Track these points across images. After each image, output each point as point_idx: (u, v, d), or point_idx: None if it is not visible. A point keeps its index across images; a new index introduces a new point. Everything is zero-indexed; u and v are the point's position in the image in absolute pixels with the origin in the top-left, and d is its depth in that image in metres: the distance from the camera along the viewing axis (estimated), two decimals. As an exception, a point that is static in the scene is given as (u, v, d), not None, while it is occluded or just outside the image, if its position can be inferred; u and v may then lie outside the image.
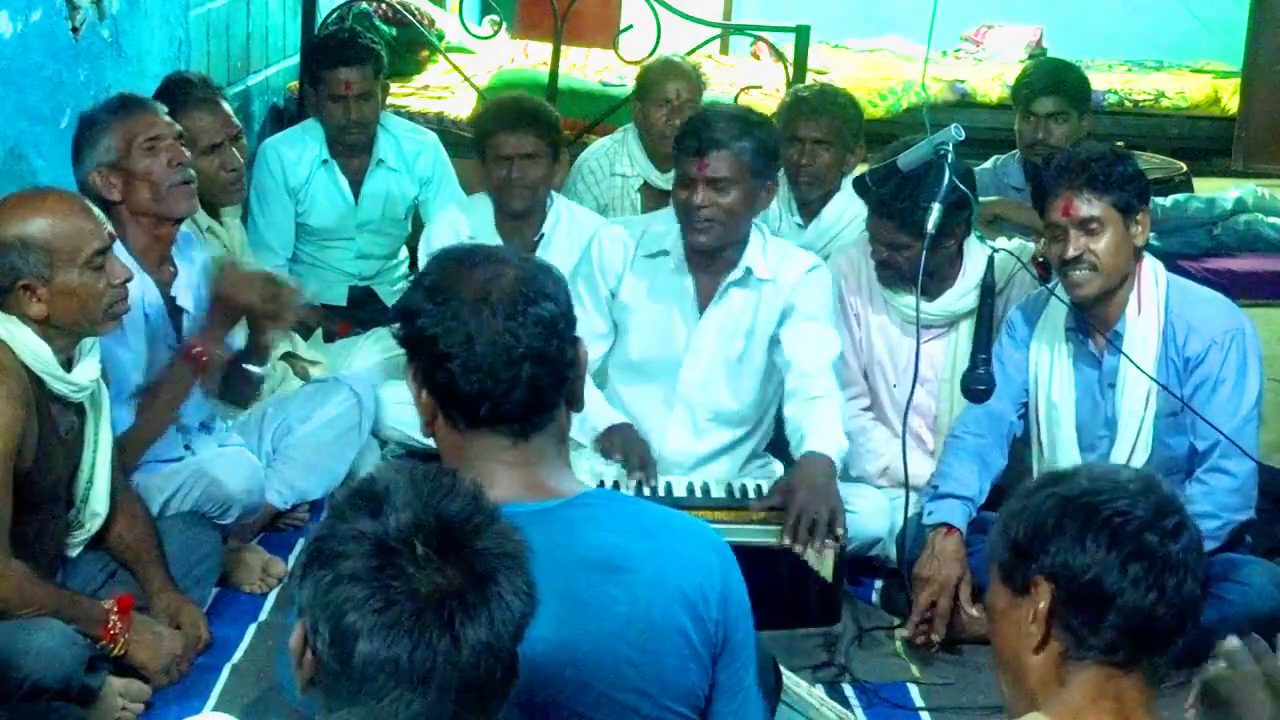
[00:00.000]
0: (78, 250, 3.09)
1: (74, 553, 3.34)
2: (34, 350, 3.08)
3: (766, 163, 3.81)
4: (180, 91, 4.22)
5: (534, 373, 1.96)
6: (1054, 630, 1.77)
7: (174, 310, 3.70)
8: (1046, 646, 1.78)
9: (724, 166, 3.73)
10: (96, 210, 3.21)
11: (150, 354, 3.62)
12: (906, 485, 3.62)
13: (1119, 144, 5.24)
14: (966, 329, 3.96)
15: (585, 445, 3.80)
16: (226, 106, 4.32)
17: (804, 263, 3.95)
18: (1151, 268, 3.67)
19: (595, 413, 3.85)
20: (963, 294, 4.01)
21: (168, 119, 3.69)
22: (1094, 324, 3.67)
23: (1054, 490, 1.81)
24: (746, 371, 3.97)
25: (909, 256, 3.80)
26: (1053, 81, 5.10)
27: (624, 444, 3.80)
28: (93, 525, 3.31)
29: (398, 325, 2.02)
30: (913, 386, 3.73)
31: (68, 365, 3.15)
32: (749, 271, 3.89)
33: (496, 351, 1.94)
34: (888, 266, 3.96)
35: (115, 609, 3.21)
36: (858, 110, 4.86)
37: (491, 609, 1.55)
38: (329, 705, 1.58)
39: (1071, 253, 3.54)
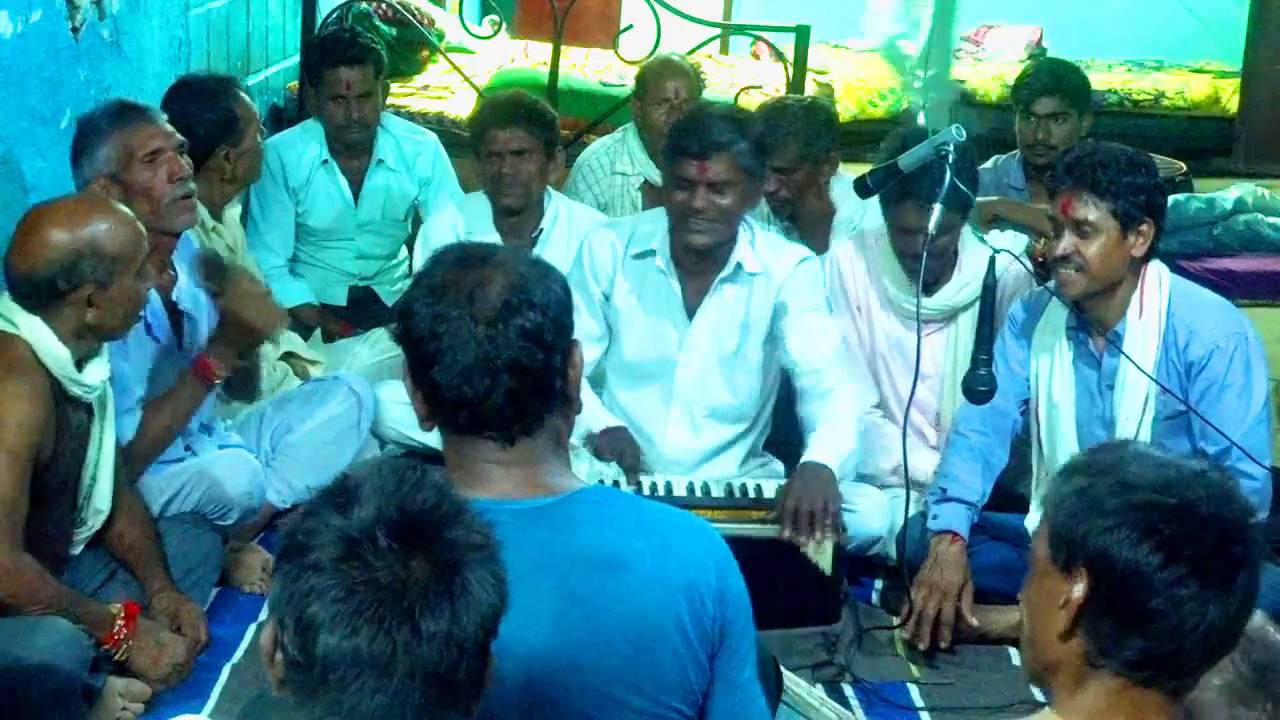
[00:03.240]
0: (135, 258, 3.16)
1: (77, 550, 3.35)
2: (53, 352, 3.10)
3: (760, 162, 3.84)
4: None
5: (512, 385, 1.95)
6: (1081, 627, 1.71)
7: (174, 314, 3.71)
8: (1071, 639, 1.72)
9: (724, 169, 3.73)
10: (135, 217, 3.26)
11: (153, 360, 3.62)
12: (907, 484, 3.63)
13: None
14: (966, 322, 3.97)
15: (578, 447, 3.80)
16: (243, 93, 4.41)
17: (794, 255, 3.95)
18: (1156, 271, 3.66)
19: (589, 415, 3.85)
20: (960, 288, 4.02)
21: (168, 128, 3.67)
22: (1093, 324, 3.67)
23: (1122, 477, 1.70)
24: (742, 367, 3.97)
25: (941, 242, 3.79)
26: (1053, 82, 5.10)
27: (614, 445, 3.80)
28: (95, 522, 3.32)
29: (395, 323, 2.02)
30: (914, 384, 3.73)
31: (78, 366, 3.16)
32: (739, 267, 3.90)
33: (475, 361, 1.93)
34: (918, 258, 3.90)
35: (122, 614, 3.22)
36: (828, 122, 4.66)
37: (455, 600, 1.55)
38: (299, 703, 1.58)
39: (1060, 251, 3.54)
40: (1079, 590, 1.70)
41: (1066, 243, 3.53)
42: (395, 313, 2.03)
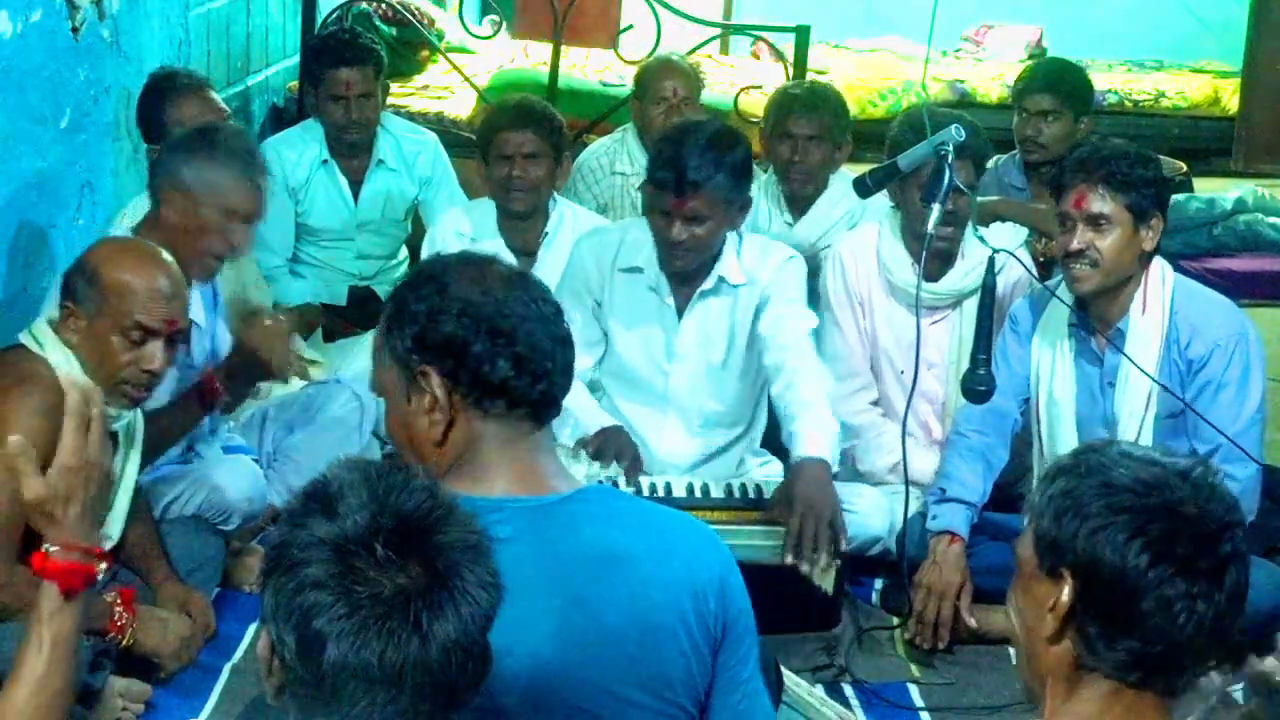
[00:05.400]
0: (125, 312, 3.09)
1: None
2: (75, 378, 3.05)
3: (741, 187, 3.79)
4: (165, 83, 4.21)
5: (565, 352, 2.02)
6: (1069, 631, 1.69)
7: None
8: (1060, 642, 1.70)
9: (701, 205, 3.70)
10: (184, 300, 3.20)
11: None
12: (906, 482, 3.62)
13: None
14: (971, 308, 3.97)
15: (578, 449, 3.80)
16: (213, 93, 4.29)
17: (780, 256, 3.95)
18: (1160, 268, 3.66)
19: (586, 415, 3.86)
20: (965, 273, 4.04)
21: (259, 193, 3.59)
22: (1096, 322, 3.67)
23: (1106, 478, 1.68)
24: (730, 374, 3.98)
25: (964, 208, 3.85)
26: (1049, 79, 5.10)
27: (609, 445, 3.80)
28: (103, 546, 3.31)
29: (412, 338, 1.97)
30: (915, 374, 3.74)
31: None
32: (721, 280, 3.88)
33: (546, 333, 1.99)
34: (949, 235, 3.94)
35: (118, 601, 3.23)
36: (846, 108, 4.88)
37: (458, 604, 1.54)
38: (301, 713, 1.57)
39: (1075, 246, 3.54)
40: (1066, 594, 1.69)
41: (1080, 238, 3.53)
42: (415, 318, 1.98)
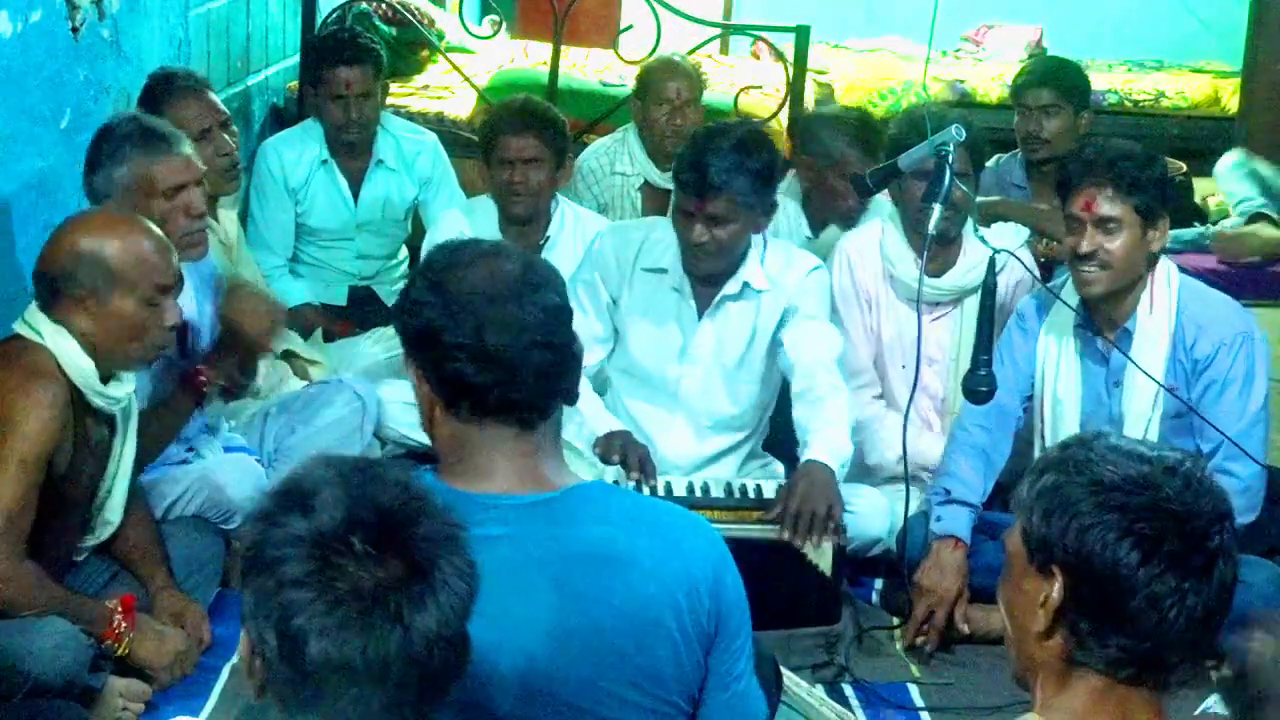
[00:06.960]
0: (140, 281, 3.11)
1: (81, 557, 3.35)
2: (77, 363, 3.09)
3: (765, 192, 3.78)
4: (164, 84, 4.20)
5: (542, 360, 1.97)
6: (1060, 627, 1.70)
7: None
8: (1051, 638, 1.71)
9: (722, 207, 3.71)
10: (173, 249, 3.23)
11: (156, 369, 3.61)
12: (906, 480, 3.62)
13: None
14: (971, 306, 3.97)
15: (583, 450, 3.80)
16: (213, 95, 4.28)
17: (805, 265, 3.95)
18: (1165, 267, 3.66)
19: (594, 418, 3.85)
20: (967, 270, 4.06)
21: (192, 158, 3.60)
22: (1102, 322, 3.67)
23: (1095, 475, 1.69)
24: (745, 378, 3.97)
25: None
26: (1045, 75, 5.12)
27: (624, 447, 3.80)
28: (104, 533, 3.33)
29: (402, 320, 2.02)
30: (917, 369, 3.74)
31: (105, 379, 3.16)
32: (746, 285, 3.88)
33: (507, 339, 1.95)
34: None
35: (119, 609, 3.23)
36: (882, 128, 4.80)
37: (438, 595, 1.55)
38: (284, 710, 1.57)
39: (1085, 248, 3.54)
40: (1056, 591, 1.70)
41: (1089, 240, 3.52)
42: (404, 305, 2.02)
